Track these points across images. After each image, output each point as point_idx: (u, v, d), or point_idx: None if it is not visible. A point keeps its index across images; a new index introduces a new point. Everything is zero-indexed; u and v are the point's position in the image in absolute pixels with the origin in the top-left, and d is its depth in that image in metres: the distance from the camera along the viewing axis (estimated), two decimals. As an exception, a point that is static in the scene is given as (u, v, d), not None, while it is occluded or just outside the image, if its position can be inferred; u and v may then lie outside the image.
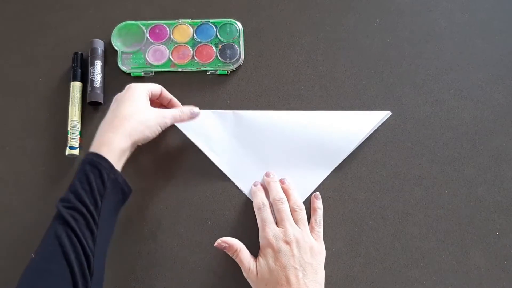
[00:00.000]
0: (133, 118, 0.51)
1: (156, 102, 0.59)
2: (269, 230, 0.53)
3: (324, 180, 0.59)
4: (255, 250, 0.54)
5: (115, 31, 0.65)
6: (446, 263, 0.56)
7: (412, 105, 0.62)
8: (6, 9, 0.67)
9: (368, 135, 0.60)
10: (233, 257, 0.53)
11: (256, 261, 0.52)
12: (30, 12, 0.67)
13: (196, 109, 0.58)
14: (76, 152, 0.60)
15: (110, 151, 0.49)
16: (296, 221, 0.54)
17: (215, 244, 0.53)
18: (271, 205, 0.56)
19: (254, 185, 0.58)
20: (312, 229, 0.55)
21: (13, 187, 0.59)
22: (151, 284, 0.55)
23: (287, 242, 0.52)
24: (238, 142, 0.61)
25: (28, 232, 0.58)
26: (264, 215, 0.54)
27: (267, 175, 0.59)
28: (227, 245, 0.53)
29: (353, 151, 0.60)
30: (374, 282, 0.55)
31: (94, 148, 0.49)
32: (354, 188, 0.59)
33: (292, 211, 0.55)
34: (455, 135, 0.61)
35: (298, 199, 0.57)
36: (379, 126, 0.61)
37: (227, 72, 0.64)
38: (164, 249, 0.57)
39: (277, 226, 0.54)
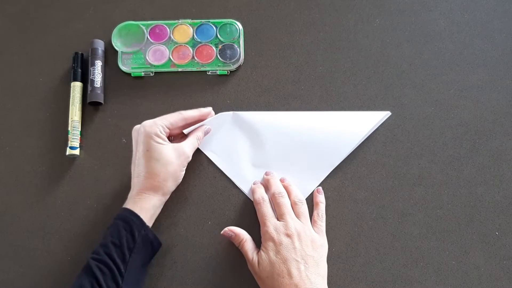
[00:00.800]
0: (166, 178, 0.53)
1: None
2: (270, 224, 0.53)
3: (324, 180, 0.59)
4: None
5: (115, 31, 0.65)
6: (445, 262, 0.56)
7: (412, 105, 0.62)
8: (6, 9, 0.67)
9: (368, 135, 0.61)
10: (239, 247, 0.54)
11: (258, 254, 0.53)
12: (30, 12, 0.67)
13: (208, 127, 0.59)
14: (76, 152, 0.60)
15: (144, 209, 0.52)
16: (297, 214, 0.55)
17: (222, 232, 0.54)
18: (271, 201, 0.56)
19: (254, 183, 0.59)
20: (314, 223, 0.56)
21: (13, 187, 0.59)
22: (151, 284, 0.55)
23: (288, 235, 0.52)
24: (238, 143, 0.61)
25: (27, 232, 0.58)
26: (264, 210, 0.55)
27: (266, 174, 0.59)
28: (233, 234, 0.54)
29: (353, 151, 0.60)
30: (374, 281, 0.55)
31: (130, 204, 0.52)
32: (354, 188, 0.59)
33: (293, 204, 0.56)
34: (455, 135, 0.61)
35: (299, 193, 0.57)
36: (379, 126, 0.61)
37: (227, 72, 0.64)
38: (164, 249, 0.57)
39: (278, 220, 0.54)
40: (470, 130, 0.61)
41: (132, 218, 0.50)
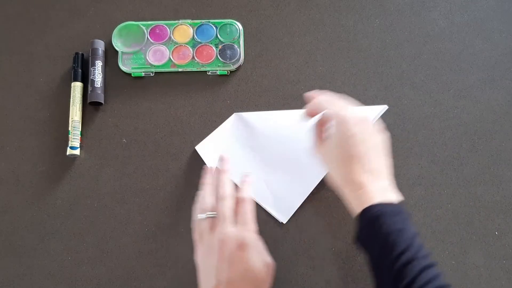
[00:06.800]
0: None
1: None
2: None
3: (323, 179, 0.59)
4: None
5: (115, 32, 0.65)
6: (445, 262, 0.56)
7: (412, 105, 0.62)
8: (6, 10, 0.67)
9: None
10: None
11: None
12: (30, 12, 0.67)
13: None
14: (76, 152, 0.60)
15: None
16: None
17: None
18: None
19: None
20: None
21: (13, 187, 0.59)
22: (151, 284, 0.56)
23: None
24: (237, 143, 0.61)
25: (27, 232, 0.58)
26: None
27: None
28: None
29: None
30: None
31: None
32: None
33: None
34: (455, 135, 0.61)
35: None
36: (378, 124, 0.61)
37: (227, 72, 0.64)
38: (164, 249, 0.57)
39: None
40: (469, 130, 0.61)
41: None
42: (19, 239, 0.57)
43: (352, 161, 0.47)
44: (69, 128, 0.60)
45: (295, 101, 0.63)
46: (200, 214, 0.49)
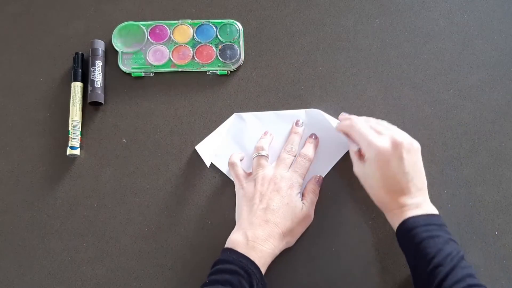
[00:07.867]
0: (296, 231, 0.55)
1: None
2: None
3: (323, 179, 0.59)
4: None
5: (115, 32, 0.65)
6: (445, 262, 0.56)
7: (412, 105, 0.62)
8: (6, 10, 0.68)
9: None
10: None
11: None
12: (30, 12, 0.67)
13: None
14: (76, 152, 0.60)
15: (263, 258, 0.51)
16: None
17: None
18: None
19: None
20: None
21: (13, 187, 0.60)
22: (151, 284, 0.56)
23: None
24: (238, 143, 0.61)
25: (27, 232, 0.58)
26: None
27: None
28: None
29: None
30: (374, 281, 0.55)
31: (247, 247, 0.51)
32: (354, 187, 0.59)
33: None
34: (454, 135, 0.61)
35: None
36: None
37: (227, 73, 0.64)
38: (164, 249, 0.57)
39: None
40: (469, 130, 0.62)
41: (253, 270, 0.49)
42: (19, 239, 0.58)
43: (388, 193, 0.52)
44: (69, 128, 0.60)
45: (295, 101, 0.63)
46: (259, 152, 0.58)
